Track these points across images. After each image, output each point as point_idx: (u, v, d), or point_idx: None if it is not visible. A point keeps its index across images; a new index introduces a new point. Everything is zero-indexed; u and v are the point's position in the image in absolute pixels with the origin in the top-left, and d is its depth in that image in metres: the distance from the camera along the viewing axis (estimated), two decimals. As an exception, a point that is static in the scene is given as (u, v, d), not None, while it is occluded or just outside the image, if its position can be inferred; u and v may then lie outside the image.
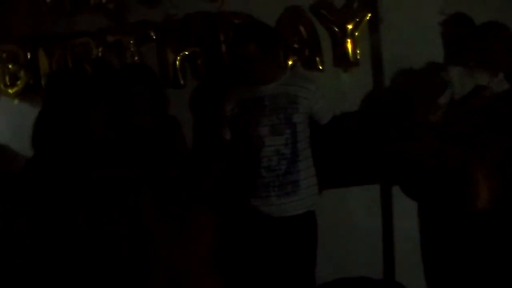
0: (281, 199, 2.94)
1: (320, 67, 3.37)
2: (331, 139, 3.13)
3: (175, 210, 2.66)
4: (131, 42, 3.21)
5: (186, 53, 3.28)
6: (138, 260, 2.43)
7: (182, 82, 3.31)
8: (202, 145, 3.27)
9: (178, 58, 3.28)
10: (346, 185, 3.34)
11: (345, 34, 3.35)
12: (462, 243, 2.95)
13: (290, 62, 3.31)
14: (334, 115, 3.06)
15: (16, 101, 3.22)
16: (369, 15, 3.33)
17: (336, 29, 3.35)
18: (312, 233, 3.02)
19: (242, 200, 3.00)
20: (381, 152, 3.16)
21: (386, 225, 3.42)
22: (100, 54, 3.22)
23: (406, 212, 3.27)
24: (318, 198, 3.02)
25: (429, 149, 2.93)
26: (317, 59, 3.37)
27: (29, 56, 3.19)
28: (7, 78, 3.20)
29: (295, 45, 3.32)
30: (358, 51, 3.35)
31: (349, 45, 3.36)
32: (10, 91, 3.20)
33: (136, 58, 3.21)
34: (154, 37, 3.25)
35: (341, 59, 3.38)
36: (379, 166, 3.32)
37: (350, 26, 3.34)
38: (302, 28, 3.35)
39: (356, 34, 3.33)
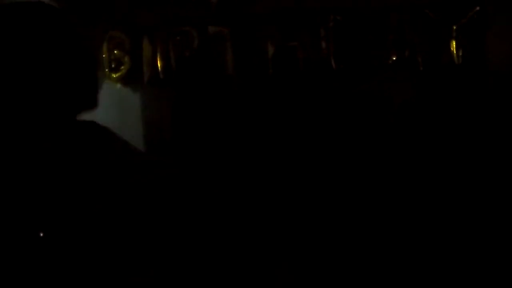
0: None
1: (421, 69, 3.30)
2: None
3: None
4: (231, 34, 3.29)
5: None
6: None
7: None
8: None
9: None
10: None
11: (450, 35, 3.26)
12: None
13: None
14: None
15: (118, 85, 3.38)
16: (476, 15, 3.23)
17: (440, 29, 3.26)
18: None
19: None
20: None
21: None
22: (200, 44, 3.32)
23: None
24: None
25: None
26: (419, 59, 3.30)
27: (133, 43, 3.34)
28: (112, 64, 3.36)
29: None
30: (460, 53, 3.25)
31: (453, 46, 3.26)
32: (113, 75, 3.36)
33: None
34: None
35: (444, 61, 3.29)
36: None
37: (455, 27, 3.25)
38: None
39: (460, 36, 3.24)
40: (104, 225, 1.32)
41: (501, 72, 3.18)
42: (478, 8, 3.22)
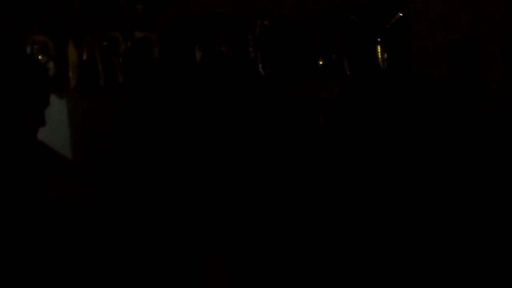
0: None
1: (348, 73, 3.35)
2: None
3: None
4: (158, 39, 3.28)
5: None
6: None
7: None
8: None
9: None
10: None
11: (375, 40, 3.33)
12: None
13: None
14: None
15: (43, 91, 3.31)
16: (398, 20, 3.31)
17: (365, 34, 3.33)
18: None
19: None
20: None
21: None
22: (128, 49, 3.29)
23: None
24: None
25: None
26: (345, 63, 3.36)
27: (58, 48, 3.28)
28: (37, 69, 3.29)
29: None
30: (385, 58, 3.32)
31: (378, 51, 3.33)
32: (39, 81, 3.29)
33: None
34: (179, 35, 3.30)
35: (369, 65, 3.35)
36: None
37: (379, 32, 3.31)
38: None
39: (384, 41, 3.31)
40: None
41: (424, 76, 3.26)
42: (400, 14, 3.31)
